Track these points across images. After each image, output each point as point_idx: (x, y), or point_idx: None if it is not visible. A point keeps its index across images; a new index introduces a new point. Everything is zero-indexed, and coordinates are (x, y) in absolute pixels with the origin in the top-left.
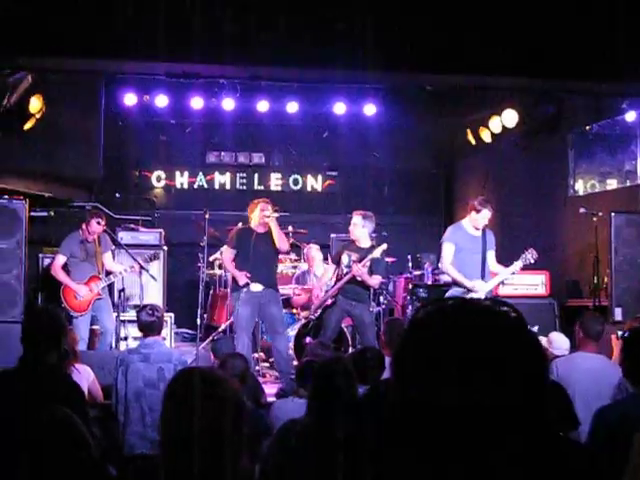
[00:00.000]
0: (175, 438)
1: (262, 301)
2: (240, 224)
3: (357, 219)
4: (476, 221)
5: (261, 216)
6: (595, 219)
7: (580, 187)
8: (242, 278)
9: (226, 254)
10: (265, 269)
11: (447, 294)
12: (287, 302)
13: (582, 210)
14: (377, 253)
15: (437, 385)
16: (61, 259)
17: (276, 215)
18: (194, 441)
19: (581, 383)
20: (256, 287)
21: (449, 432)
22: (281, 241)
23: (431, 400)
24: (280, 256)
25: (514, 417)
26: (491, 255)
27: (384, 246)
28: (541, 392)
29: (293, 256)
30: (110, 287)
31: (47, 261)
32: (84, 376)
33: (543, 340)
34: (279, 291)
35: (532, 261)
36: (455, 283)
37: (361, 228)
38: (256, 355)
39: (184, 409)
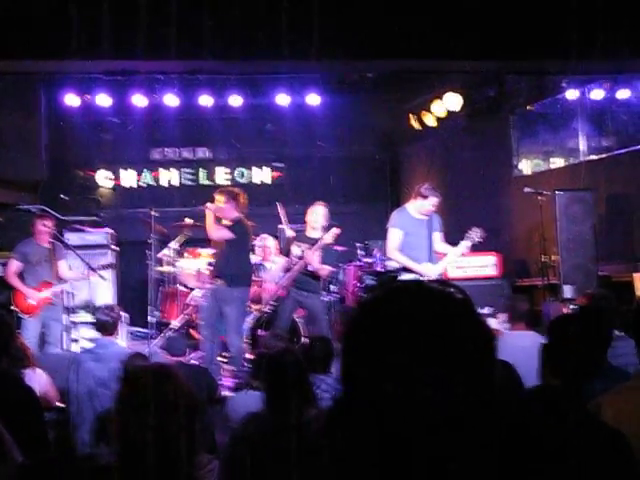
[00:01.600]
0: (129, 435)
1: (219, 297)
2: (187, 219)
3: (322, 209)
4: (422, 207)
5: None
6: (540, 198)
7: (525, 167)
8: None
9: None
10: (224, 264)
11: (397, 279)
12: None
13: (527, 190)
14: (328, 238)
15: (383, 371)
16: (15, 264)
17: (213, 205)
18: (148, 438)
19: (514, 360)
20: (216, 282)
21: (398, 417)
22: (210, 230)
23: (378, 385)
24: None
25: (464, 401)
26: (437, 236)
27: (335, 230)
28: (489, 373)
29: None
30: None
31: None
32: (36, 380)
33: (494, 321)
34: (244, 286)
35: (477, 240)
36: (405, 269)
37: (322, 217)
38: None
39: (136, 406)
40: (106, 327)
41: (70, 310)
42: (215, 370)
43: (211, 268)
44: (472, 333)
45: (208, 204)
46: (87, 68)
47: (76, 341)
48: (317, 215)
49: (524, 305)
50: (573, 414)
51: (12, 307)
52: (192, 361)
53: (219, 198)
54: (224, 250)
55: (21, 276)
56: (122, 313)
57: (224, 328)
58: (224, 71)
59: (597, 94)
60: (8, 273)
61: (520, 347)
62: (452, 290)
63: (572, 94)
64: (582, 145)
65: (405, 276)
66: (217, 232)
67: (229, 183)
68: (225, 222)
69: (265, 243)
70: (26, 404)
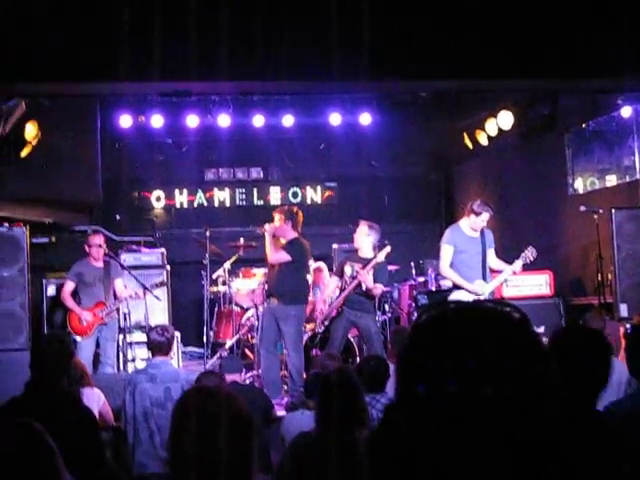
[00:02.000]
0: (185, 456)
1: (276, 315)
2: (242, 240)
3: (363, 228)
4: (475, 224)
5: None
6: (596, 216)
7: (579, 185)
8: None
9: None
10: (279, 283)
11: (449, 298)
12: None
13: (582, 208)
14: (381, 256)
15: (441, 390)
16: (70, 285)
17: (270, 226)
18: (203, 459)
19: None
20: (272, 301)
21: (454, 436)
22: (269, 253)
23: (435, 405)
24: None
25: (519, 420)
26: (491, 253)
27: (388, 248)
28: (545, 392)
29: None
30: (117, 311)
31: (51, 287)
32: (94, 399)
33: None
34: (300, 305)
35: (532, 259)
36: (456, 286)
37: (365, 237)
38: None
39: (192, 427)
40: (160, 347)
41: (126, 330)
42: (275, 389)
43: (264, 287)
44: (530, 352)
45: (265, 226)
46: (140, 90)
47: (132, 361)
48: (360, 235)
49: (599, 323)
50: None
51: (67, 329)
52: (247, 381)
53: (277, 217)
54: (282, 269)
55: (76, 297)
56: (176, 333)
57: (282, 346)
58: (275, 91)
59: None
60: (63, 294)
61: None
62: (509, 309)
63: (627, 111)
64: (638, 163)
65: (457, 294)
66: (276, 255)
67: (281, 203)
68: (283, 241)
69: (317, 269)
70: (86, 424)
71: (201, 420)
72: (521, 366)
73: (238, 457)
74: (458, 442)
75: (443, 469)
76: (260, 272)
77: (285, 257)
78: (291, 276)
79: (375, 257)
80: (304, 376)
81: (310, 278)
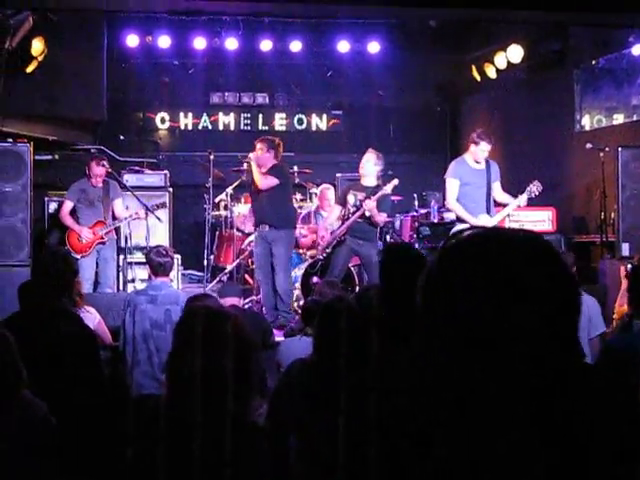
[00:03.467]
0: (183, 375)
1: (269, 239)
2: (245, 165)
3: (371, 156)
4: (476, 154)
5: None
6: (602, 154)
7: (586, 122)
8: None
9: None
10: (268, 209)
11: (452, 231)
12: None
13: (589, 145)
14: (389, 188)
15: (473, 310)
16: (68, 205)
17: (255, 155)
18: (203, 378)
19: None
20: (263, 227)
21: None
22: (258, 180)
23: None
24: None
25: (549, 340)
26: (497, 186)
27: (395, 181)
28: (575, 314)
29: (299, 196)
30: (117, 231)
31: (53, 204)
32: (89, 319)
33: None
34: (289, 228)
35: (537, 193)
36: (460, 220)
37: (373, 165)
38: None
39: (193, 346)
40: (160, 268)
41: (126, 251)
42: (274, 315)
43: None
44: (560, 272)
45: (250, 155)
46: (151, 7)
47: (132, 282)
48: (366, 163)
49: (568, 259)
50: None
51: (66, 247)
52: (246, 306)
53: (259, 146)
54: (270, 195)
55: (75, 217)
56: (175, 255)
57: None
58: (285, 14)
59: None
60: (62, 213)
61: None
62: (536, 235)
63: (638, 49)
64: None
65: (458, 227)
66: (265, 181)
67: (286, 129)
68: (263, 170)
69: (326, 194)
70: (86, 341)
71: (204, 338)
72: (553, 288)
73: (238, 378)
74: (484, 368)
75: (464, 399)
76: None
77: (274, 180)
78: (279, 201)
79: (381, 187)
80: (301, 304)
81: (314, 205)
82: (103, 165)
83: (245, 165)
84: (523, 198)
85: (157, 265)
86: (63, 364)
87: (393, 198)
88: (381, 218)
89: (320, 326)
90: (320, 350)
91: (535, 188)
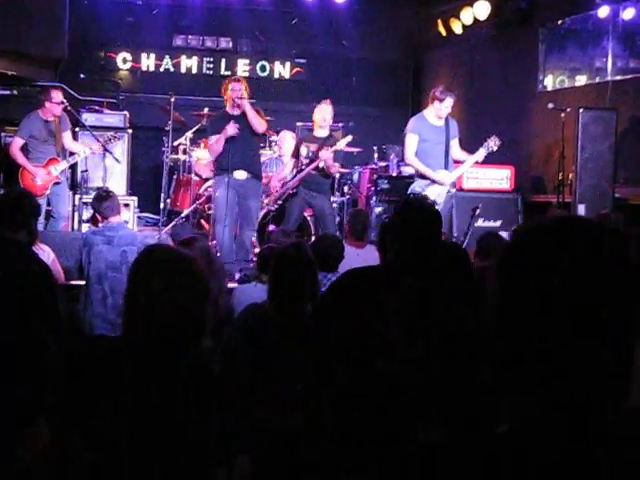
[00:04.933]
0: (139, 315)
1: (244, 189)
2: (206, 109)
3: (328, 107)
4: (439, 110)
5: (232, 97)
6: (563, 115)
7: (549, 82)
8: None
9: (209, 142)
10: (246, 155)
11: (411, 187)
12: None
13: (550, 105)
14: (342, 145)
15: (547, 289)
16: (19, 141)
17: (246, 96)
18: (158, 317)
19: None
20: (240, 174)
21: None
22: (256, 122)
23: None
24: None
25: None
26: (455, 143)
27: (349, 138)
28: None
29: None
30: (73, 169)
31: (9, 140)
32: (44, 256)
33: (505, 234)
34: (261, 180)
35: (495, 148)
36: (419, 175)
37: (329, 116)
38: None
39: (152, 283)
40: (109, 211)
41: (82, 190)
42: (229, 260)
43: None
44: (625, 260)
45: (245, 95)
46: None
47: (86, 222)
48: (324, 113)
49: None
50: None
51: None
52: None
53: (246, 86)
54: (248, 139)
55: (27, 152)
56: (132, 197)
57: (238, 220)
58: None
59: (630, 13)
60: (13, 150)
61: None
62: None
63: (604, 11)
64: (609, 65)
65: (419, 182)
66: (265, 124)
67: (249, 75)
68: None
69: (284, 138)
70: (44, 278)
71: (160, 276)
72: (617, 277)
73: (191, 317)
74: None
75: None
76: None
77: (265, 123)
78: (257, 148)
79: (332, 138)
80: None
81: (276, 152)
82: (58, 98)
83: (206, 110)
84: (481, 153)
85: (104, 210)
86: (15, 296)
87: (352, 149)
88: (335, 169)
89: (275, 272)
90: (274, 295)
91: (493, 143)
